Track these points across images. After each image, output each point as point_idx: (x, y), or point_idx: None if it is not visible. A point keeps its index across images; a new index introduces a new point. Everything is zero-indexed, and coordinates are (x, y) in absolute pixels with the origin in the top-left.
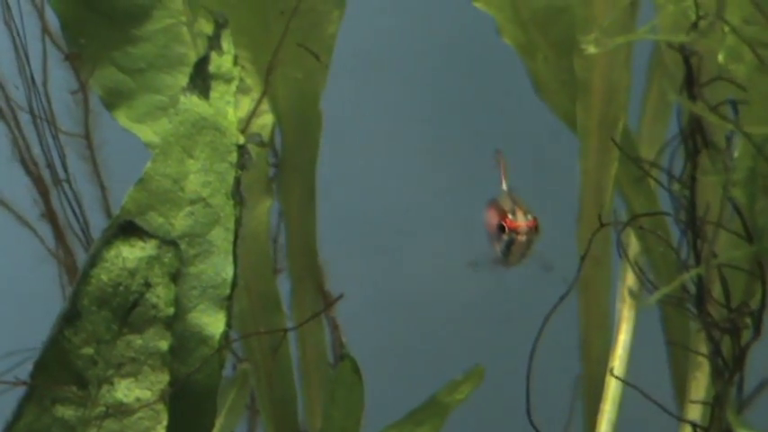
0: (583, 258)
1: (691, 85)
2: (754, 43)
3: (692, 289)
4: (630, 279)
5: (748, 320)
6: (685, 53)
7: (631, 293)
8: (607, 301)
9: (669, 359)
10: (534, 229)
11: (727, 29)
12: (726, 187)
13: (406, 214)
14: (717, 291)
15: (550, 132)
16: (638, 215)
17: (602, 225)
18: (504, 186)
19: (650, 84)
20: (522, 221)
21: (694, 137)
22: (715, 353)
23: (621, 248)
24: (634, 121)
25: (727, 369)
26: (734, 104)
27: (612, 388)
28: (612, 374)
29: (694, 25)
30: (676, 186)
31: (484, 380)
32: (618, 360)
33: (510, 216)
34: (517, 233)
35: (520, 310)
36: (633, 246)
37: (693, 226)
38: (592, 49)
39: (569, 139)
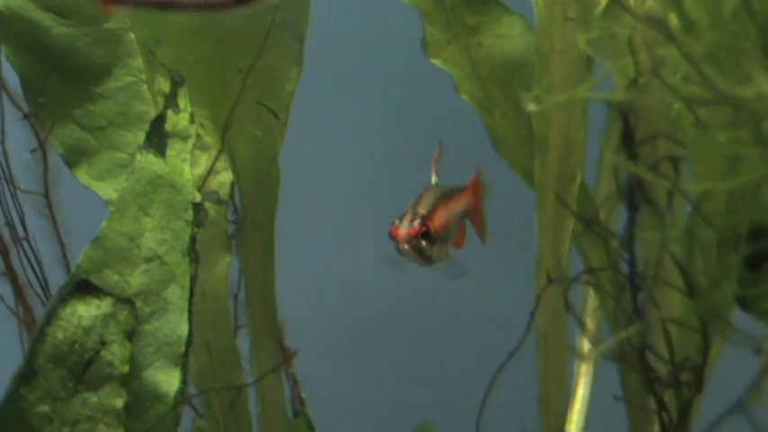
0: (532, 313)
1: (628, 142)
2: (692, 101)
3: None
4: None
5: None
6: (623, 110)
7: (573, 350)
8: (565, 354)
9: (628, 413)
10: (418, 237)
11: (665, 87)
12: (663, 243)
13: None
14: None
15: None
16: (588, 270)
17: (549, 281)
18: (433, 180)
19: (608, 138)
20: (403, 229)
21: (633, 193)
22: (659, 407)
23: (568, 304)
24: (592, 176)
25: (672, 424)
26: (674, 161)
27: None
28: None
29: (633, 82)
30: (615, 242)
31: None
32: (576, 414)
33: (397, 221)
34: (396, 241)
35: (475, 367)
36: (592, 299)
37: (633, 281)
38: (532, 107)
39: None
